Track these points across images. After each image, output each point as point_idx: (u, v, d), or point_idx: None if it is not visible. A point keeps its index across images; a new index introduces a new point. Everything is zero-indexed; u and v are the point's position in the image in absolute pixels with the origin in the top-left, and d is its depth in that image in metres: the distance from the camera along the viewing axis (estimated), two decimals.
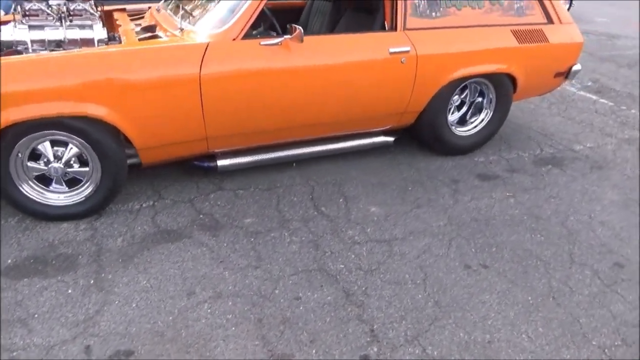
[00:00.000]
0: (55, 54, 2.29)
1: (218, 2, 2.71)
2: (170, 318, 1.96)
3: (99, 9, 2.91)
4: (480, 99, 3.45)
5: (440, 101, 3.16)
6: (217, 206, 2.73)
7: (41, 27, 2.67)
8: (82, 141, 2.37)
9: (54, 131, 2.32)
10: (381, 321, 2.01)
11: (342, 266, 2.31)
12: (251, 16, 2.54)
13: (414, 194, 2.96)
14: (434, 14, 2.99)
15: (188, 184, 2.93)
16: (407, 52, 2.87)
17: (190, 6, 2.85)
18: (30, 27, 2.65)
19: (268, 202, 2.79)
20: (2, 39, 2.59)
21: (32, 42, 2.64)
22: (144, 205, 2.71)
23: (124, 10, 3.38)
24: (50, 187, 2.50)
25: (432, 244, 2.51)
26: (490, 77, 3.28)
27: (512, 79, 3.34)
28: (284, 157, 3.04)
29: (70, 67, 2.24)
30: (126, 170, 2.56)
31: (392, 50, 2.83)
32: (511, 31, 3.20)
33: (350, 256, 2.38)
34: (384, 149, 3.45)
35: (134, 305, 2.02)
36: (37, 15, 2.67)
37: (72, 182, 2.53)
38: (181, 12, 2.78)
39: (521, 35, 3.22)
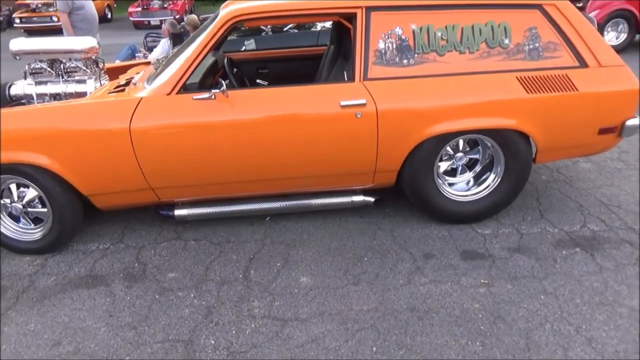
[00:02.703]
0: (7, 109, 2.60)
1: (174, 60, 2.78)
2: None
3: (101, 65, 3.25)
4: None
5: (421, 160, 2.70)
6: (158, 256, 2.76)
7: (45, 83, 3.08)
8: (35, 186, 2.64)
9: (12, 176, 2.63)
10: None
11: (213, 342, 2.11)
12: (185, 72, 2.55)
13: (364, 267, 2.56)
14: (405, 61, 2.60)
15: (153, 230, 3.02)
16: (363, 105, 2.54)
17: (162, 62, 2.98)
18: (37, 83, 3.08)
19: (206, 257, 2.72)
20: (12, 93, 3.06)
21: (37, 95, 3.07)
22: (100, 247, 2.87)
23: (148, 63, 3.71)
24: (19, 224, 2.82)
25: (331, 332, 2.13)
26: (494, 134, 2.70)
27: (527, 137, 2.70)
28: (247, 210, 2.94)
29: (18, 119, 2.53)
30: (76, 214, 2.76)
31: (343, 103, 2.54)
32: (517, 78, 2.59)
33: (231, 331, 2.16)
34: (375, 209, 3.09)
35: (3, 347, 2.14)
36: (41, 73, 3.09)
37: (39, 221, 2.83)
38: (150, 68, 2.94)
39: (532, 82, 2.59)
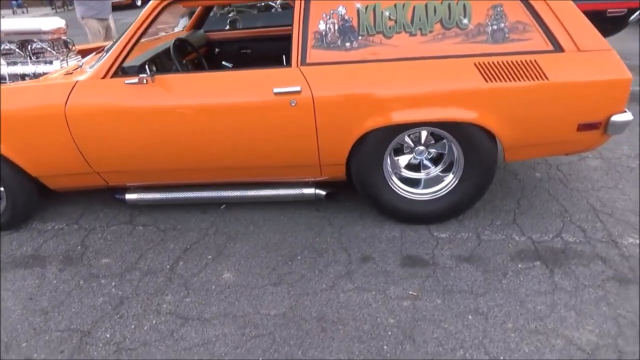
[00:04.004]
0: None
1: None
2: None
3: (71, 46, 3.27)
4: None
5: (368, 153, 2.47)
6: (103, 240, 2.76)
7: (16, 64, 3.15)
8: None
9: None
10: None
11: (108, 335, 2.07)
12: (118, 56, 2.47)
13: (293, 266, 2.41)
14: (348, 44, 2.35)
15: (110, 213, 3.03)
16: (298, 92, 2.34)
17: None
18: (8, 63, 3.15)
19: (146, 244, 2.68)
20: None
21: (9, 76, 3.14)
22: (55, 227, 2.93)
23: None
24: None
25: (226, 336, 2.01)
26: (450, 128, 2.40)
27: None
28: (197, 198, 2.87)
29: None
30: (28, 194, 2.82)
31: (277, 90, 2.35)
32: (475, 64, 2.27)
33: (130, 326, 2.11)
34: (334, 202, 2.90)
35: None
36: (12, 53, 3.15)
37: None
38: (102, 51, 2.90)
39: (492, 69, 2.25)
